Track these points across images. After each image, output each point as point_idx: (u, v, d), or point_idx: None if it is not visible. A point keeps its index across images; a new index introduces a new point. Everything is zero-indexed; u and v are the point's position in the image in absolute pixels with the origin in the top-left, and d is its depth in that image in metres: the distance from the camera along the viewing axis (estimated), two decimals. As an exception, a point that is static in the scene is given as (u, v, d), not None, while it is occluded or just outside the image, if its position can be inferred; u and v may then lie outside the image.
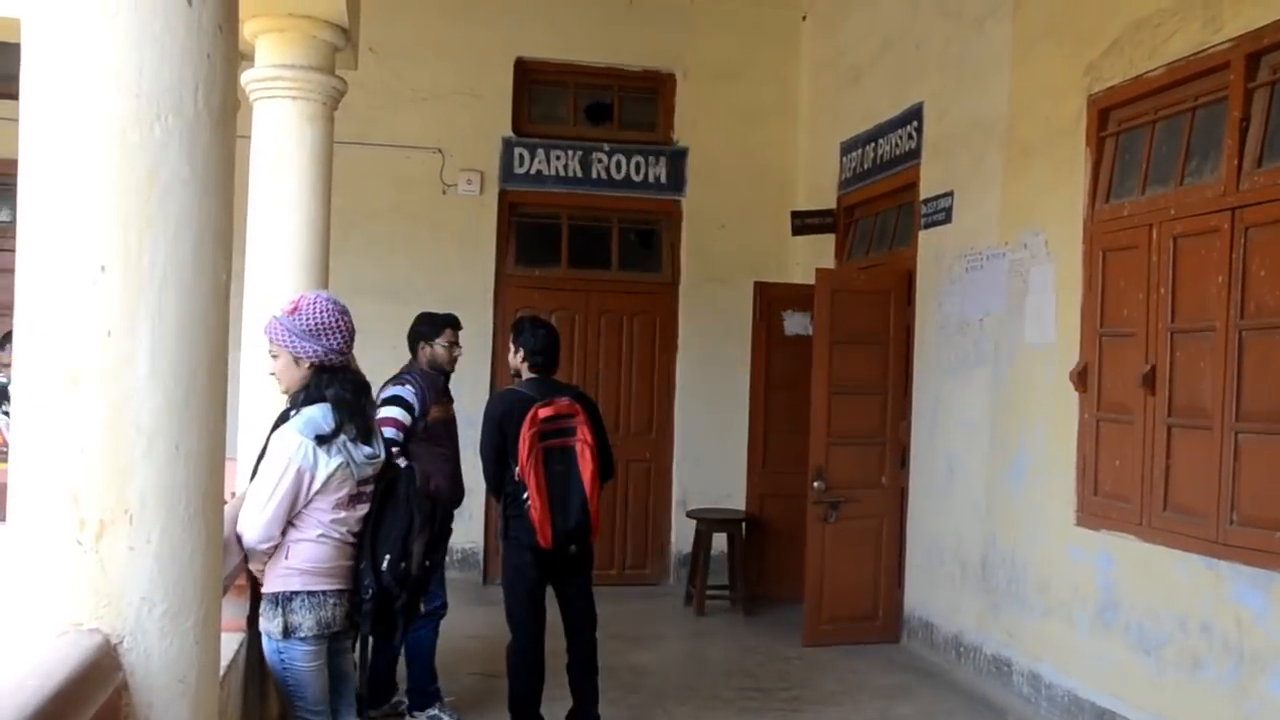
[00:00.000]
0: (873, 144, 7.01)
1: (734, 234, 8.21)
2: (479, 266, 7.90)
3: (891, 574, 6.50)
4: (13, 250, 6.36)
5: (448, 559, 5.91)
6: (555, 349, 4.66)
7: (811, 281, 6.67)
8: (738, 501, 7.72)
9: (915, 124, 6.45)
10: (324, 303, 3.20)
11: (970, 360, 5.79)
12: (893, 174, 6.74)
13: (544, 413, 4.39)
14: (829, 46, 7.88)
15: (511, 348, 4.68)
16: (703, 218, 8.23)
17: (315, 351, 3.13)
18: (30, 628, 1.70)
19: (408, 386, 5.08)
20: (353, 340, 3.25)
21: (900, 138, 6.64)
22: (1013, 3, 5.50)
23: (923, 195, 6.34)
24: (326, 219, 4.53)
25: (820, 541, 6.47)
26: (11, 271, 6.44)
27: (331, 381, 3.16)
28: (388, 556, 3.25)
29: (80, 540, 1.69)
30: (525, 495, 4.34)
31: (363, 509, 3.26)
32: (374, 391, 5.45)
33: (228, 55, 1.83)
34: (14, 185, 6.48)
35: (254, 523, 3.06)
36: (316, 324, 3.14)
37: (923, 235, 6.35)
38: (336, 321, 3.16)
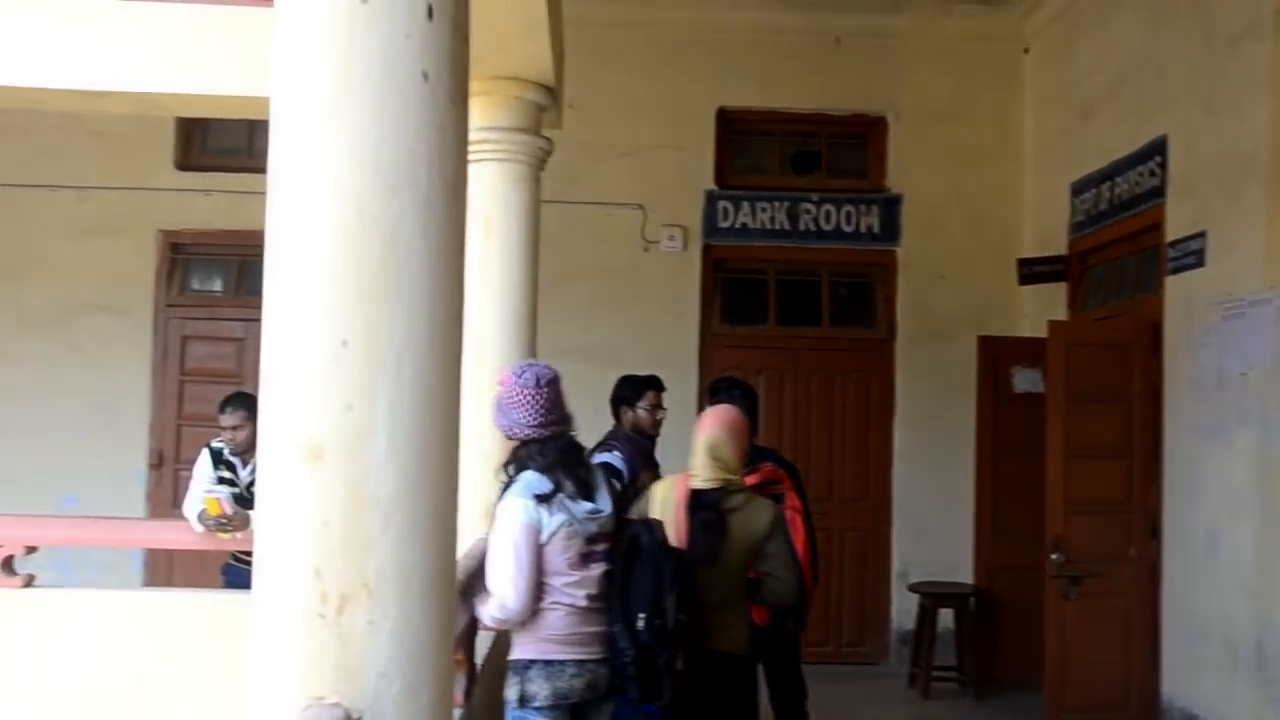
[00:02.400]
0: (1109, 183, 6.75)
1: (954, 285, 8.05)
2: (682, 325, 7.99)
3: (1144, 658, 6.14)
4: (230, 320, 6.84)
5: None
6: (754, 412, 4.66)
7: (1041, 334, 6.47)
8: (964, 574, 7.48)
9: (1158, 159, 6.18)
10: (510, 376, 3.37)
11: (1232, 420, 5.45)
12: (1133, 215, 6.47)
13: (749, 480, 4.37)
14: (1056, 80, 7.68)
15: None
16: (920, 269, 8.10)
17: (504, 426, 3.30)
18: (274, 700, 1.80)
19: (615, 453, 5.18)
20: (553, 410, 3.34)
21: (1141, 175, 6.37)
22: (1273, 20, 5.23)
23: (1169, 237, 6.05)
24: (533, 282, 4.69)
25: (1060, 620, 6.18)
26: (228, 340, 6.91)
27: (531, 454, 3.28)
28: (642, 615, 3.30)
29: (322, 614, 1.78)
30: None
31: (598, 569, 3.34)
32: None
33: (459, 127, 1.92)
34: (229, 255, 6.97)
35: (509, 593, 3.19)
36: (503, 398, 3.32)
37: (1170, 281, 6.05)
38: (519, 395, 3.29)
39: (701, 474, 3.84)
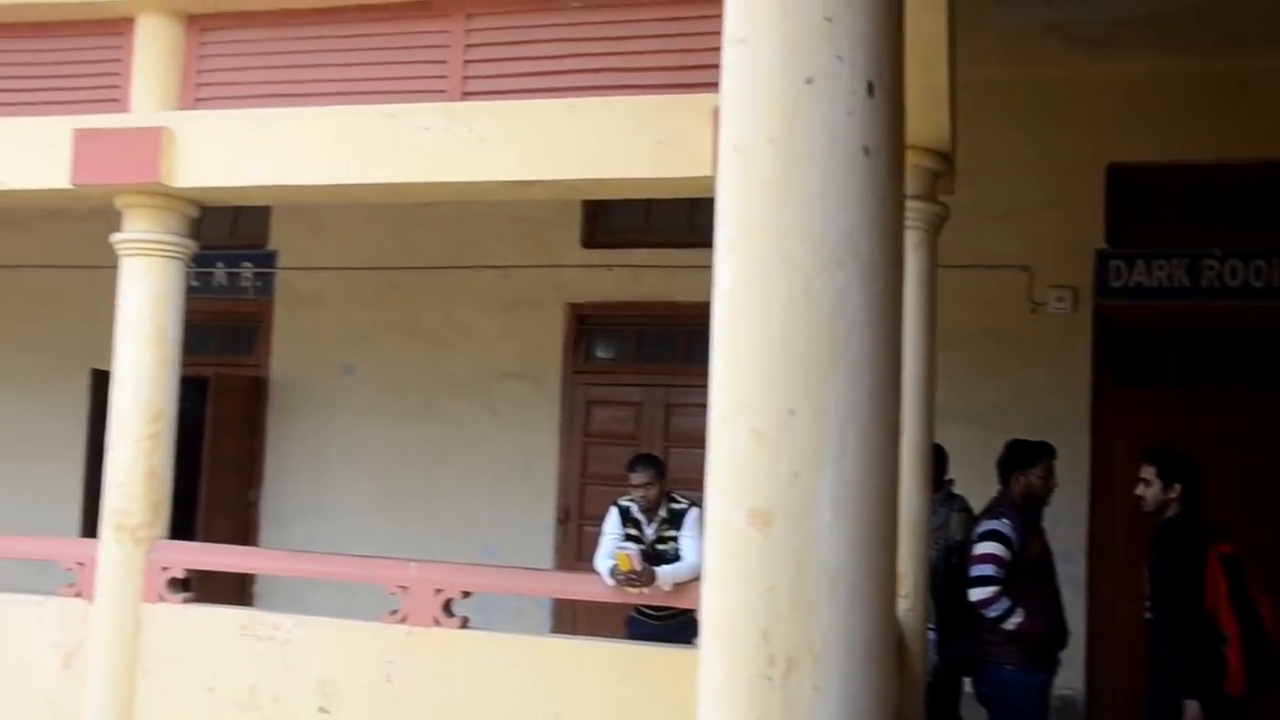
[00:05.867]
0: None
1: (1390, 341, 7.11)
2: (1072, 388, 7.55)
3: None
4: (629, 385, 7.09)
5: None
6: (1199, 486, 4.68)
7: None
8: None
9: None
10: None
11: None
12: None
13: (1226, 549, 4.42)
14: None
15: (1159, 480, 4.58)
16: (1346, 323, 7.23)
17: None
18: (722, 760, 1.81)
19: (1004, 520, 5.04)
20: None
21: None
22: None
23: None
24: (931, 347, 4.59)
25: None
26: (627, 404, 7.17)
27: None
28: None
29: (769, 676, 1.77)
30: (1226, 637, 4.30)
31: None
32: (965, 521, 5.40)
33: (897, 199, 1.90)
34: (628, 325, 7.28)
35: None
36: None
37: None
38: None
39: None
